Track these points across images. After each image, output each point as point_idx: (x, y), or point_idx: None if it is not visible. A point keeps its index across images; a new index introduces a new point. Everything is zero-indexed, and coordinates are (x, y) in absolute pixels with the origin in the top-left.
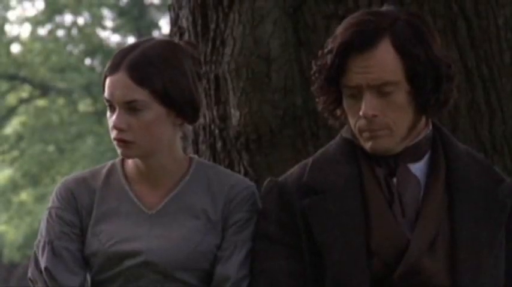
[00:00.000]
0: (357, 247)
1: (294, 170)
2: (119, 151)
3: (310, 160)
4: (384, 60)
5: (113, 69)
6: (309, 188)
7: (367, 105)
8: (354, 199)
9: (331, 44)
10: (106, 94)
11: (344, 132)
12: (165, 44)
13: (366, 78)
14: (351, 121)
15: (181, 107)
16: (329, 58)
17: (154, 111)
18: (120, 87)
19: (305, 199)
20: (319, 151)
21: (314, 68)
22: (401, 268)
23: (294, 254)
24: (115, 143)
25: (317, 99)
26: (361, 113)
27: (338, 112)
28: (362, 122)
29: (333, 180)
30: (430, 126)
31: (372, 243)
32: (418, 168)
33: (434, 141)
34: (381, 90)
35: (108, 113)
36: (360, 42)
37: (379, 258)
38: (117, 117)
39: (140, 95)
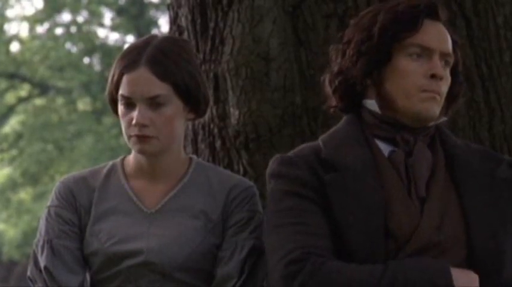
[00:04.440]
0: (376, 228)
1: (302, 147)
2: (136, 147)
3: (318, 141)
4: (448, 34)
5: (132, 67)
6: (330, 165)
7: (439, 67)
8: (372, 180)
9: (406, 4)
10: (126, 92)
11: (369, 105)
12: (173, 40)
13: (440, 44)
14: (407, 81)
15: (198, 101)
16: (407, 14)
17: (175, 105)
18: (142, 83)
19: (326, 175)
20: (326, 135)
21: (378, 24)
22: (406, 255)
23: (324, 215)
24: (133, 139)
25: (352, 61)
26: (434, 71)
27: (368, 81)
28: (426, 82)
29: (350, 160)
30: (443, 118)
31: (392, 225)
32: None
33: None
34: (445, 59)
35: (123, 111)
36: (436, 11)
37: (394, 240)
38: (140, 113)
39: (163, 89)
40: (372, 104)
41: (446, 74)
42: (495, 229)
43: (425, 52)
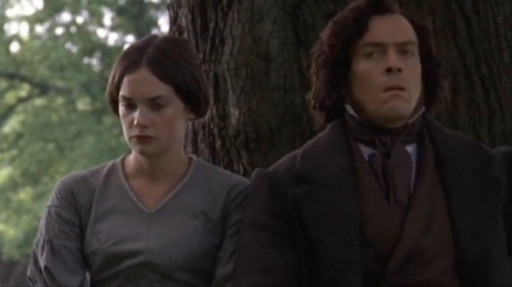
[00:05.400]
0: (350, 239)
1: (283, 160)
2: (137, 147)
3: (300, 150)
4: (406, 23)
5: (133, 67)
6: (302, 177)
7: (393, 59)
8: (347, 189)
9: (350, 8)
10: (127, 93)
11: (349, 110)
12: (174, 40)
13: (392, 36)
14: (368, 82)
15: (198, 101)
16: (351, 17)
17: (175, 106)
18: (144, 84)
19: (297, 188)
20: (309, 143)
21: (326, 35)
22: (392, 263)
23: (286, 243)
24: (134, 140)
25: (316, 76)
26: (388, 64)
27: (335, 95)
28: (385, 79)
29: (325, 170)
30: (422, 110)
31: (368, 234)
32: (409, 151)
33: (421, 126)
34: (403, 49)
35: (124, 112)
36: (382, 6)
37: (373, 249)
38: (141, 114)
39: (164, 90)
40: (350, 108)
41: (410, 63)
42: (484, 233)
43: (378, 49)
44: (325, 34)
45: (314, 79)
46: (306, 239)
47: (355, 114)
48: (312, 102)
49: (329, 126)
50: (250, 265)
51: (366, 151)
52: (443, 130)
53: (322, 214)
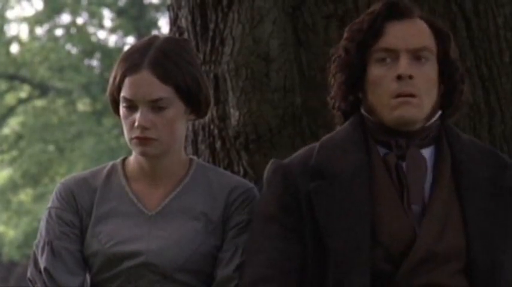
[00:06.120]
0: (361, 237)
1: (299, 153)
2: (138, 149)
3: (317, 144)
4: (422, 28)
5: (134, 69)
6: (317, 172)
7: (404, 66)
8: (361, 187)
9: (368, 13)
10: (128, 94)
11: (364, 112)
12: (175, 41)
13: (405, 42)
14: (380, 88)
15: (199, 102)
16: (367, 21)
17: (176, 108)
18: (145, 85)
19: (311, 183)
20: (327, 137)
21: (344, 40)
22: (406, 265)
23: (293, 236)
24: (134, 141)
25: (334, 78)
26: (399, 72)
27: (351, 98)
28: (395, 86)
29: (341, 166)
30: (439, 114)
31: (380, 235)
32: (425, 155)
33: (438, 130)
34: (417, 55)
35: (125, 113)
36: (399, 10)
37: (385, 250)
38: (142, 116)
39: (165, 92)
40: (364, 112)
41: (424, 69)
42: (495, 240)
43: (391, 54)
44: (343, 37)
45: (332, 81)
46: (316, 234)
47: (371, 118)
48: (331, 103)
49: (348, 121)
50: (255, 257)
51: (381, 151)
52: (461, 136)
53: (334, 210)
